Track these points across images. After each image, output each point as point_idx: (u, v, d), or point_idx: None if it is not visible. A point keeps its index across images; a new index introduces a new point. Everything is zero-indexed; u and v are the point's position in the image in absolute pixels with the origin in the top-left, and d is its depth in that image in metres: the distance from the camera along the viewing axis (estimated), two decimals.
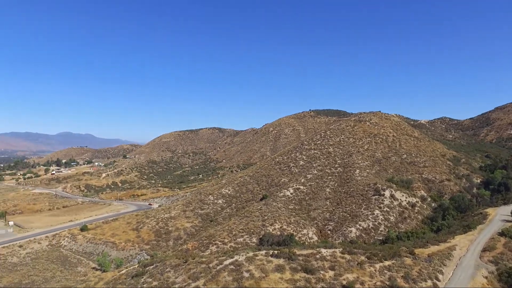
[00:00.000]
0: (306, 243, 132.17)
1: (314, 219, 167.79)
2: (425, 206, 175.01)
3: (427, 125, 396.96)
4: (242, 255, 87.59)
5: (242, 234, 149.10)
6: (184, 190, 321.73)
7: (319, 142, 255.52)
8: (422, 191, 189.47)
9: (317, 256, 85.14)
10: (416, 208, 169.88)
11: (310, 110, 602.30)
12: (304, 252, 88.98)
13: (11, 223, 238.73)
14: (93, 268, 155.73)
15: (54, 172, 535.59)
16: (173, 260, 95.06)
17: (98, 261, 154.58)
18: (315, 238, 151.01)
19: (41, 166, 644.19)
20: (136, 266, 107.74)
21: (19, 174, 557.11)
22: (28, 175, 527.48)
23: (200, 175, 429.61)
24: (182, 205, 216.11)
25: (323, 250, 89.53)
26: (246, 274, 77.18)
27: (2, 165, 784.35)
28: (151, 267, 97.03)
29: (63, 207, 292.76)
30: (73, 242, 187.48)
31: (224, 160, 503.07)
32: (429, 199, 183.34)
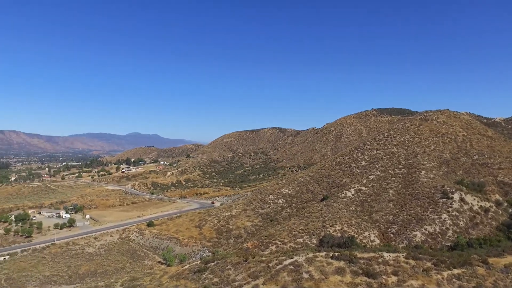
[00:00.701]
0: (368, 246, 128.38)
1: (376, 221, 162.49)
2: (500, 212, 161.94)
3: (502, 123, 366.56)
4: (302, 256, 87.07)
5: (302, 234, 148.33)
6: (245, 189, 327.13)
7: (382, 142, 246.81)
8: (497, 195, 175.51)
9: (379, 260, 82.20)
10: (490, 213, 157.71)
11: (372, 109, 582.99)
12: (366, 255, 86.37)
13: (87, 216, 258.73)
14: (159, 262, 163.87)
15: (124, 170, 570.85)
16: (234, 258, 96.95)
17: (163, 255, 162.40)
18: (377, 241, 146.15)
19: (113, 165, 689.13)
20: (198, 262, 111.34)
21: (94, 172, 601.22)
22: (102, 172, 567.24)
23: (261, 175, 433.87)
24: (243, 204, 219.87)
25: (385, 254, 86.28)
26: (305, 275, 76.66)
27: (80, 163, 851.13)
28: (213, 264, 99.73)
29: (132, 203, 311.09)
30: (141, 236, 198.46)
31: (284, 160, 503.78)
32: (505, 204, 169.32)
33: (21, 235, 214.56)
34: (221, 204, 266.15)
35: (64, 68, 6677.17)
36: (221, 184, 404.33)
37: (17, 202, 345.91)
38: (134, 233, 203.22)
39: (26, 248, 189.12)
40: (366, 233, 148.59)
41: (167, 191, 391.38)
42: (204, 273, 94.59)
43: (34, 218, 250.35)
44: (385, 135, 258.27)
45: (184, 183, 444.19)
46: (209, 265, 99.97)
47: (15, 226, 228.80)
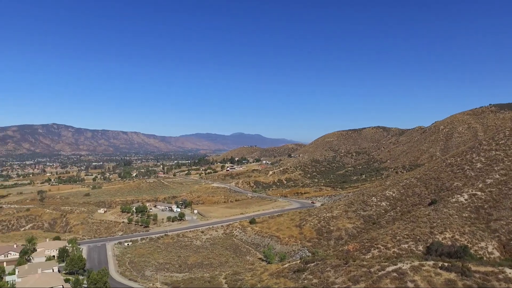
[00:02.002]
0: (485, 259, 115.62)
1: (495, 231, 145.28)
2: None
3: None
4: (407, 263, 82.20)
5: (407, 240, 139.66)
6: (346, 190, 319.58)
7: (503, 141, 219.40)
8: None
9: (500, 276, 73.45)
10: None
11: (490, 104, 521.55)
12: (482, 269, 77.98)
13: (195, 211, 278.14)
14: (259, 258, 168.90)
15: (228, 168, 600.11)
16: (334, 260, 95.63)
17: (264, 253, 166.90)
18: (496, 253, 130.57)
19: (218, 163, 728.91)
20: (298, 262, 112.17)
21: (201, 170, 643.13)
22: (208, 171, 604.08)
23: (363, 176, 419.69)
24: (344, 205, 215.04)
25: (507, 270, 76.91)
26: (410, 285, 72.28)
27: (189, 162, 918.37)
28: (312, 264, 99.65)
29: (236, 200, 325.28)
30: (243, 233, 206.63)
31: (388, 161, 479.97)
32: None
33: (140, 225, 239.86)
34: (321, 205, 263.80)
35: (177, 76, 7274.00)
36: (322, 184, 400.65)
37: (137, 195, 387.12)
38: (237, 229, 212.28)
39: (144, 236, 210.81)
40: (483, 244, 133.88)
41: (269, 189, 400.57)
42: (304, 273, 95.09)
43: (151, 210, 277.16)
44: (507, 133, 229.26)
45: (285, 182, 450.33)
46: (308, 265, 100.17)
47: (136, 216, 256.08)
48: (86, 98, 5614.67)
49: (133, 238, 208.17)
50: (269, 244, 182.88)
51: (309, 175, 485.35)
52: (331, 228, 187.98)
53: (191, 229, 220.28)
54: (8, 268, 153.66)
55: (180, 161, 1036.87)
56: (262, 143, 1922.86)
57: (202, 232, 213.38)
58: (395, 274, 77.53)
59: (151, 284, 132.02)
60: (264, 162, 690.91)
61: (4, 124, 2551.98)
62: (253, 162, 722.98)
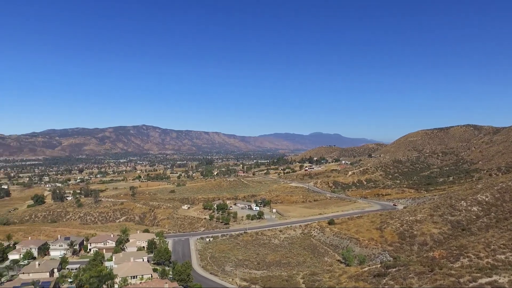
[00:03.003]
0: None
1: None
2: None
3: None
4: (504, 277, 75.37)
5: (504, 250, 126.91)
6: (431, 193, 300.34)
7: None
8: None
9: None
10: None
11: None
12: None
13: (274, 210, 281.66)
14: (338, 260, 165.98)
15: (307, 168, 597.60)
16: (418, 267, 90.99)
17: (342, 254, 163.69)
18: None
19: (297, 163, 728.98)
20: (379, 266, 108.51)
21: (280, 169, 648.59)
22: (287, 170, 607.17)
23: (451, 178, 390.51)
24: (429, 209, 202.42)
25: None
26: None
27: (268, 161, 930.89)
28: (394, 269, 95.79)
29: (314, 200, 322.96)
30: (321, 233, 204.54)
31: (480, 162, 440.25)
32: None
33: (221, 222, 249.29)
34: (404, 207, 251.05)
35: (257, 77, 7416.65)
36: (404, 185, 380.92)
37: (218, 193, 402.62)
38: (316, 230, 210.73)
39: (224, 233, 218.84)
40: None
41: (348, 190, 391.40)
42: (384, 278, 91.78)
43: (231, 208, 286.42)
44: None
45: (365, 183, 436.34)
46: (389, 270, 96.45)
47: (217, 214, 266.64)
48: (172, 101, 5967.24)
49: (214, 234, 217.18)
50: (348, 246, 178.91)
51: (390, 176, 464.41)
52: (415, 232, 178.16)
53: (270, 228, 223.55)
54: (106, 255, 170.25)
55: (259, 161, 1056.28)
56: (341, 143, 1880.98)
57: (281, 231, 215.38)
58: (489, 287, 71.58)
59: (230, 280, 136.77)
60: (343, 162, 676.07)
61: (103, 126, 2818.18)
62: (332, 162, 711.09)
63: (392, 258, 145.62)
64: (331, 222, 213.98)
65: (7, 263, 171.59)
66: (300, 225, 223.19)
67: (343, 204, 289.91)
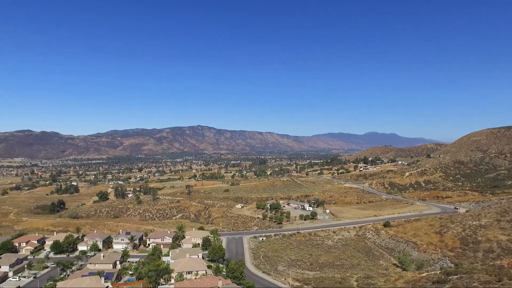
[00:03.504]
0: None
1: None
2: None
3: None
4: None
5: None
6: (498, 196, 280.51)
7: None
8: None
9: None
10: None
11: None
12: None
13: (327, 211, 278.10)
14: (394, 264, 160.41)
15: (361, 169, 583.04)
16: (483, 275, 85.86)
17: (399, 258, 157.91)
18: None
19: (351, 163, 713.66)
20: (438, 272, 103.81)
21: (333, 169, 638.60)
22: (341, 170, 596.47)
23: None
24: (496, 214, 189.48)
25: None
26: None
27: (321, 161, 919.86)
28: (455, 277, 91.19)
29: (369, 202, 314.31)
30: (376, 236, 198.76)
31: None
32: None
33: (274, 221, 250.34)
34: (466, 211, 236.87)
35: (308, 78, 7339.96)
36: (467, 188, 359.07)
37: (271, 193, 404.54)
38: (370, 232, 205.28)
39: (277, 233, 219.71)
40: None
41: (405, 192, 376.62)
42: (445, 286, 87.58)
43: (284, 208, 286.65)
44: None
45: (423, 184, 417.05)
46: (450, 277, 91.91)
47: (270, 213, 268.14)
48: (226, 102, 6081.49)
49: (267, 234, 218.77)
50: (405, 250, 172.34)
51: (451, 178, 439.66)
52: (479, 238, 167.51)
53: (323, 229, 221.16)
54: (163, 250, 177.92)
55: (312, 161, 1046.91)
56: (397, 143, 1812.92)
57: (334, 232, 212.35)
58: None
59: (283, 279, 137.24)
60: (399, 162, 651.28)
61: (160, 126, 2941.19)
62: (388, 162, 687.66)
63: (453, 265, 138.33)
64: (386, 225, 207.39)
65: (76, 253, 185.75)
66: (354, 227, 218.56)
67: (399, 206, 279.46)
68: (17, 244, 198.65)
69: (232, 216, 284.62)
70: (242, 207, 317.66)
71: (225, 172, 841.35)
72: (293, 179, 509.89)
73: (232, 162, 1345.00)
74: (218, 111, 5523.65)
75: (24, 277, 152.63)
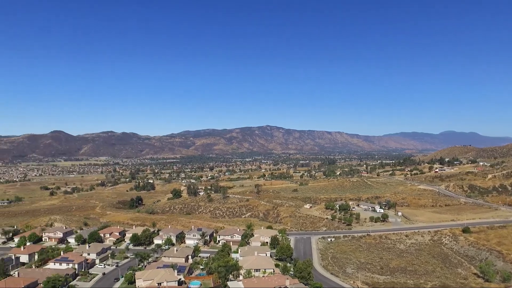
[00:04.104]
0: None
1: None
2: None
3: None
4: None
5: None
6: None
7: None
8: None
9: None
10: None
11: None
12: None
13: (399, 213, 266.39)
14: (474, 273, 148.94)
15: (437, 170, 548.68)
16: None
17: (480, 268, 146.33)
18: None
19: (425, 164, 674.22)
20: None
21: (406, 170, 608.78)
22: (414, 171, 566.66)
23: None
24: None
25: None
26: None
27: (393, 162, 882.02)
28: None
29: (445, 205, 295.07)
30: (454, 242, 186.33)
31: None
32: None
33: (343, 222, 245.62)
34: None
35: (381, 74, 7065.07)
36: None
37: (340, 193, 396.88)
38: (447, 237, 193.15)
39: (346, 234, 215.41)
40: None
41: (487, 195, 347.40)
42: None
43: (353, 209, 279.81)
44: None
45: (509, 188, 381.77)
46: None
47: (339, 214, 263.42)
48: (295, 101, 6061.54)
49: (335, 235, 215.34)
50: (487, 258, 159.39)
51: None
52: None
53: (395, 232, 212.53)
54: (233, 247, 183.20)
55: (383, 161, 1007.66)
56: (478, 142, 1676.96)
57: (407, 236, 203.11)
58: None
59: (351, 282, 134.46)
60: (481, 163, 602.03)
61: (230, 127, 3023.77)
62: (467, 163, 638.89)
63: None
64: (466, 230, 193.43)
65: (152, 246, 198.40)
66: (429, 231, 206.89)
67: (480, 211, 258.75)
68: (102, 235, 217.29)
69: (300, 216, 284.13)
70: (311, 207, 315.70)
71: (293, 172, 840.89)
72: (363, 180, 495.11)
73: (301, 162, 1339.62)
74: (287, 111, 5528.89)
75: (108, 265, 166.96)
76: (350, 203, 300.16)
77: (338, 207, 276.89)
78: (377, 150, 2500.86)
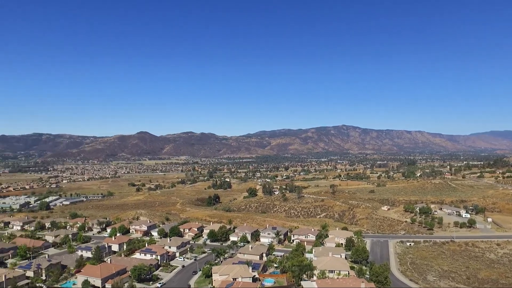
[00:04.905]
0: None
1: None
2: None
3: None
4: None
5: None
6: None
7: None
8: None
9: None
10: None
11: None
12: None
13: (489, 219, 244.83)
14: None
15: None
16: None
17: None
18: None
19: None
20: None
21: (498, 173, 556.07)
22: (507, 174, 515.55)
23: None
24: None
25: None
26: None
27: (481, 163, 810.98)
28: None
29: None
30: None
31: None
32: None
33: (423, 227, 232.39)
34: None
35: (463, 68, 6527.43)
36: None
37: (421, 195, 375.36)
38: None
39: (427, 239, 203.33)
40: None
41: None
42: None
43: (435, 213, 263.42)
44: None
45: None
46: None
47: (419, 217, 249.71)
48: (372, 100, 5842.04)
49: (415, 239, 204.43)
50: None
51: None
52: None
53: (483, 239, 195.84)
54: (307, 247, 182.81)
55: (470, 162, 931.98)
56: None
57: (498, 244, 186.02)
58: None
59: None
60: None
61: (306, 127, 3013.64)
62: None
63: None
64: None
65: (228, 242, 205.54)
66: None
67: None
68: (182, 230, 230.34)
69: (377, 218, 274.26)
70: (389, 209, 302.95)
71: (370, 173, 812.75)
72: (447, 182, 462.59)
73: (378, 162, 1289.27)
74: (364, 110, 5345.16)
75: (187, 258, 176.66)
76: (432, 206, 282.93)
77: (418, 210, 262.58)
78: (462, 151, 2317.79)
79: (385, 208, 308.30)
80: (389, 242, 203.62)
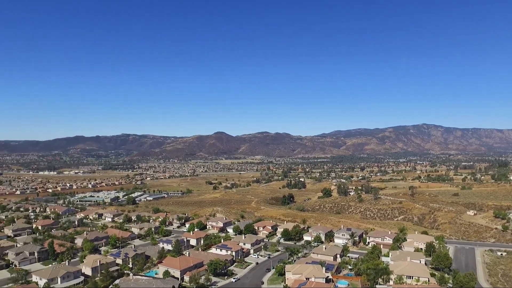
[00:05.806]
0: None
1: None
2: None
3: None
4: None
5: None
6: None
7: None
8: None
9: None
10: None
11: None
12: None
13: None
14: None
15: None
16: None
17: None
18: None
19: None
20: None
21: None
22: None
23: None
24: None
25: None
26: None
27: None
28: None
29: None
30: None
31: None
32: None
33: None
34: None
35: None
36: None
37: None
38: None
39: None
40: None
41: None
42: None
43: None
44: None
45: None
46: None
47: None
48: (456, 96, 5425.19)
49: (508, 248, 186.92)
50: None
51: None
52: None
53: None
54: (383, 250, 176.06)
55: None
56: None
57: None
58: None
59: None
60: None
61: (383, 126, 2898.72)
62: None
63: None
64: None
65: (302, 242, 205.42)
66: None
67: None
68: (256, 228, 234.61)
69: (462, 224, 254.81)
70: (475, 214, 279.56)
71: (454, 174, 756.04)
72: None
73: (463, 163, 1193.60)
74: (446, 108, 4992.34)
75: (261, 255, 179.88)
76: None
77: (511, 217, 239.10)
78: None
79: (471, 213, 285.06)
80: (475, 250, 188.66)
